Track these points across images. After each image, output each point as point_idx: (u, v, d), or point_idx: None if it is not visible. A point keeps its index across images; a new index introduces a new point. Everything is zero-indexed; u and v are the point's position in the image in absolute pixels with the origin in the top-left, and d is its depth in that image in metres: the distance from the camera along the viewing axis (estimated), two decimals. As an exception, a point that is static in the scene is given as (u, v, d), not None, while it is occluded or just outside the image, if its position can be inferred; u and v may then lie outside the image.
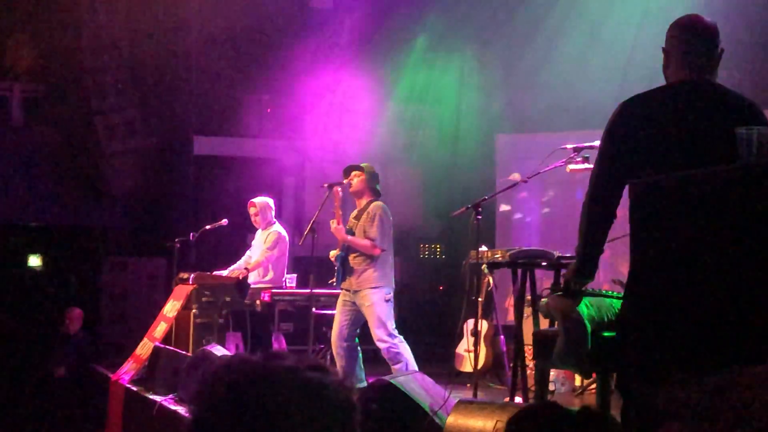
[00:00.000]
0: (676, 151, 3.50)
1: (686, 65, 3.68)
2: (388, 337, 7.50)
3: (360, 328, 7.81)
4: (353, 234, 7.78)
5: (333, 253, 7.87)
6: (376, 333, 7.52)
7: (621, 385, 3.60)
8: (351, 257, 7.74)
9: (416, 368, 7.39)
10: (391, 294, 7.69)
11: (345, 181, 7.94)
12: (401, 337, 7.59)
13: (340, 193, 7.90)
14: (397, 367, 7.44)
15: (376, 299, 7.56)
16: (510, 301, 10.04)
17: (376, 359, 9.24)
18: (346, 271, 7.75)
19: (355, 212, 7.98)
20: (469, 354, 9.23)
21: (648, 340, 3.21)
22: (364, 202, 7.90)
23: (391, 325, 7.58)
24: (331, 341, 7.92)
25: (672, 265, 3.19)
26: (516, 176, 10.00)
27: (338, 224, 7.77)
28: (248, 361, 1.68)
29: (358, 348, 7.82)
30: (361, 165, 7.96)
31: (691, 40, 3.71)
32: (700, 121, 3.54)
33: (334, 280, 7.90)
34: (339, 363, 7.69)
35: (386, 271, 7.72)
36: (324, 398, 1.64)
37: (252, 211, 9.42)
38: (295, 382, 1.63)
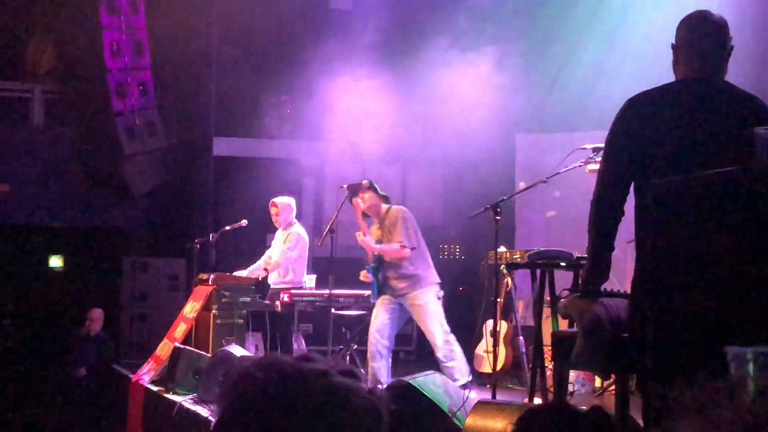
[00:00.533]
0: (682, 149, 3.47)
1: (694, 62, 3.66)
2: (444, 334, 7.52)
3: (397, 329, 7.83)
4: (381, 243, 7.81)
5: (363, 274, 7.90)
6: (432, 330, 7.53)
7: (640, 386, 3.58)
8: (386, 266, 7.72)
9: (466, 366, 7.43)
10: (441, 292, 7.72)
11: (364, 182, 7.98)
12: (453, 335, 7.61)
13: (361, 204, 7.92)
14: (449, 365, 7.44)
15: (429, 298, 7.59)
16: (529, 302, 10.01)
17: (397, 359, 9.28)
18: (385, 284, 7.74)
19: (377, 222, 8.01)
20: (488, 355, 9.22)
21: (657, 339, 3.20)
22: (382, 211, 7.93)
23: (444, 322, 7.60)
24: (353, 342, 7.93)
25: (682, 265, 3.18)
26: (522, 185, 10.00)
27: (364, 235, 7.80)
28: (279, 362, 1.68)
29: (391, 349, 7.82)
30: (362, 183, 8.00)
31: (699, 36, 3.68)
32: (707, 118, 3.51)
33: (371, 294, 7.92)
34: (371, 361, 7.69)
35: (428, 269, 7.75)
36: (353, 405, 1.64)
37: (273, 211, 9.43)
38: (326, 386, 1.63)
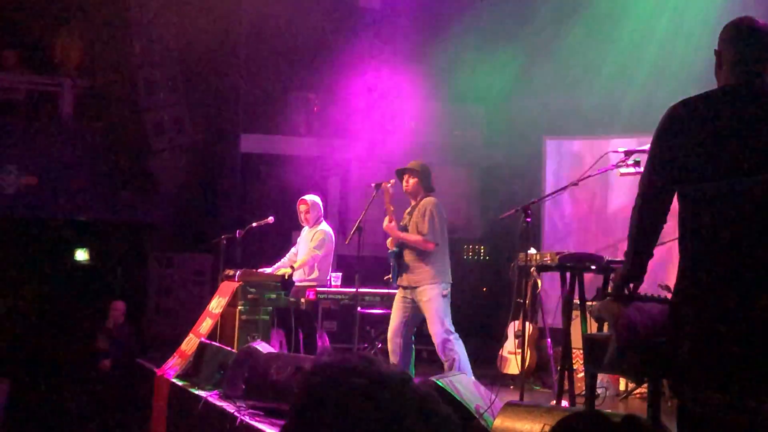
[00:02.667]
0: (726, 156, 3.44)
1: (738, 68, 3.62)
2: (445, 332, 7.52)
3: (417, 327, 7.82)
4: (406, 230, 7.80)
5: (389, 241, 7.92)
6: (433, 328, 7.55)
7: (675, 390, 3.56)
8: (406, 254, 7.76)
9: (469, 368, 7.41)
10: (449, 290, 7.71)
11: (391, 182, 7.97)
12: (457, 335, 7.60)
13: (391, 190, 7.93)
14: (448, 364, 7.45)
15: (433, 294, 7.59)
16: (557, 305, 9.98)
17: (420, 359, 9.27)
18: (401, 267, 7.77)
19: (408, 208, 8.01)
20: (513, 356, 9.21)
21: (699, 345, 3.19)
22: (418, 198, 7.93)
23: (448, 321, 7.61)
24: (377, 340, 7.94)
25: (724, 271, 3.16)
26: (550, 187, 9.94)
27: (390, 221, 7.80)
28: (350, 361, 1.67)
29: (413, 347, 7.83)
30: (411, 165, 7.96)
31: (743, 42, 3.65)
32: (751, 125, 3.48)
33: (390, 277, 7.93)
34: (393, 360, 7.71)
35: (443, 267, 7.74)
36: (438, 413, 1.63)
37: (303, 208, 9.41)
38: (409, 395, 1.63)
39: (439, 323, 7.53)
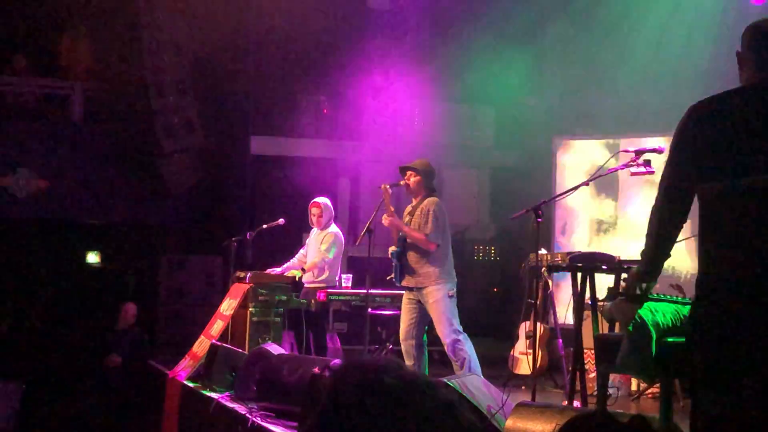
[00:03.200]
0: (747, 156, 3.43)
1: (761, 69, 3.61)
2: (453, 333, 7.50)
3: (428, 326, 7.82)
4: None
5: (392, 249, 7.88)
6: (441, 329, 7.53)
7: (691, 391, 3.55)
8: (409, 254, 7.73)
9: (479, 367, 7.40)
10: (455, 290, 7.68)
11: (402, 183, 7.95)
12: (465, 334, 7.58)
13: (390, 191, 7.91)
14: (459, 364, 7.44)
15: (440, 296, 7.56)
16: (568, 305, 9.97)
17: (432, 360, 9.26)
18: (404, 268, 7.75)
19: (409, 208, 7.98)
20: (523, 356, 9.20)
21: (719, 347, 3.17)
22: (419, 198, 7.91)
23: (456, 321, 7.58)
24: (388, 341, 7.94)
25: (741, 271, 3.15)
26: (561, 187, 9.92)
27: (389, 216, 7.78)
28: (368, 367, 1.66)
29: (426, 347, 7.82)
30: (414, 164, 7.95)
31: (764, 44, 3.64)
32: None
33: (393, 276, 7.91)
34: (408, 362, 7.69)
35: (447, 267, 7.71)
36: (463, 420, 1.63)
37: (315, 211, 9.39)
38: (439, 398, 1.62)
39: (447, 324, 7.52)
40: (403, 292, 7.94)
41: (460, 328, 7.59)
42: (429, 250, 7.65)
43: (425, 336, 7.83)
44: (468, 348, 7.50)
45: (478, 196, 13.69)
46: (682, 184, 3.58)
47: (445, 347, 7.59)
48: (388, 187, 7.92)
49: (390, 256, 7.88)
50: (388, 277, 8.08)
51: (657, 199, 3.71)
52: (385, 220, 7.84)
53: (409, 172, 7.91)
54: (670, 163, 3.66)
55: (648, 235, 3.76)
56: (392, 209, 7.86)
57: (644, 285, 3.91)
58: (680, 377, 4.08)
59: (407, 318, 7.76)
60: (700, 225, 3.32)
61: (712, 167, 3.47)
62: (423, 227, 7.67)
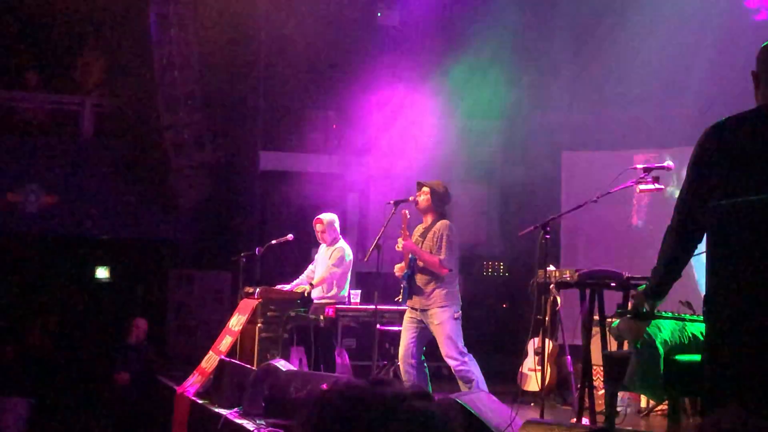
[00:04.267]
0: (762, 176, 3.44)
1: None
2: (459, 355, 7.48)
3: (426, 345, 7.80)
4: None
5: (398, 267, 7.85)
6: (447, 351, 7.50)
7: (700, 409, 3.54)
8: (418, 276, 7.72)
9: (485, 387, 7.37)
10: (460, 312, 7.66)
11: (411, 199, 7.94)
12: (471, 355, 7.57)
13: (408, 215, 7.88)
14: (467, 385, 7.42)
15: (445, 318, 7.54)
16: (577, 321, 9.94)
17: (440, 376, 9.24)
18: (412, 289, 7.73)
19: (420, 228, 7.95)
20: (532, 373, 9.17)
21: (730, 364, 3.17)
22: (429, 219, 7.87)
23: (461, 343, 7.56)
24: (397, 358, 7.92)
25: (758, 290, 3.14)
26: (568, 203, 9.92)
27: (405, 240, 7.75)
28: (358, 388, 1.67)
29: (425, 365, 7.80)
30: (430, 183, 7.92)
31: None
32: None
33: (400, 297, 7.90)
34: (407, 381, 7.68)
35: (453, 290, 7.69)
36: (430, 428, 1.64)
37: (319, 228, 9.41)
38: (405, 411, 1.63)
39: (453, 346, 7.49)
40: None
41: (465, 350, 7.57)
42: (441, 273, 7.64)
43: (423, 356, 7.81)
44: (474, 368, 7.48)
45: (486, 212, 13.68)
46: (698, 205, 3.58)
47: (452, 369, 7.57)
48: (407, 212, 7.90)
49: (398, 274, 7.86)
50: (396, 299, 8.07)
51: (674, 218, 3.71)
52: (400, 244, 7.81)
53: (423, 189, 7.89)
54: (688, 183, 3.66)
55: (661, 254, 3.76)
56: (408, 233, 7.83)
57: (652, 303, 3.91)
58: (689, 395, 4.07)
59: (407, 336, 7.75)
60: (709, 242, 3.32)
61: (729, 188, 3.48)
62: (436, 252, 7.64)
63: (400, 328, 8.32)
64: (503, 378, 9.63)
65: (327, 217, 9.45)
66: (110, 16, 13.10)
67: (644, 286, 4.01)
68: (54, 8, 12.77)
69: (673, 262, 3.74)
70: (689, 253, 3.72)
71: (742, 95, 3.86)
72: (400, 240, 7.78)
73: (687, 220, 3.66)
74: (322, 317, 9.06)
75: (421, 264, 7.72)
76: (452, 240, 7.67)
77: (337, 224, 9.53)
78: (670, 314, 4.22)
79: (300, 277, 9.65)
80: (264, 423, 6.82)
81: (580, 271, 6.16)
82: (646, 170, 6.06)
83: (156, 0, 12.47)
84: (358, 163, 13.33)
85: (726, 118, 3.62)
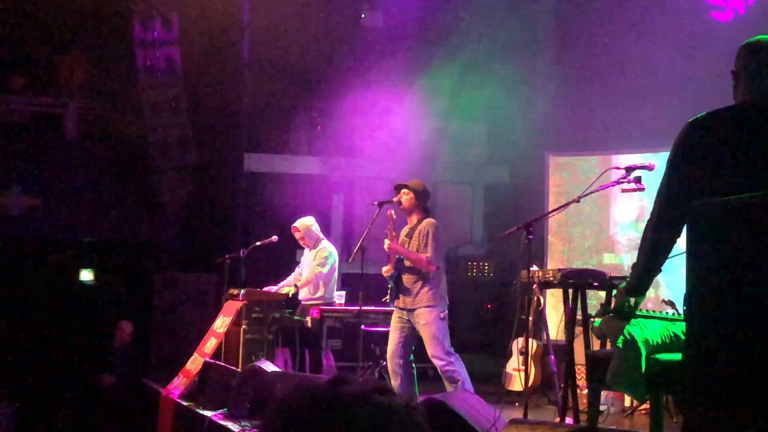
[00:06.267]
0: (742, 173, 3.46)
1: (754, 87, 3.65)
2: (445, 355, 7.50)
3: (415, 345, 7.82)
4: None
5: (386, 269, 7.86)
6: (433, 351, 7.53)
7: (682, 408, 3.57)
8: (405, 276, 7.74)
9: (471, 387, 7.40)
10: (446, 312, 7.69)
11: (395, 200, 7.96)
12: (457, 355, 7.59)
13: (394, 216, 7.91)
14: (453, 385, 7.44)
15: (431, 318, 7.56)
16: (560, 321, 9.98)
17: (426, 377, 9.26)
18: (399, 289, 7.76)
19: (406, 229, 7.97)
20: (517, 373, 9.21)
21: (710, 363, 3.19)
22: (414, 219, 7.90)
23: (447, 343, 7.58)
24: (382, 358, 7.93)
25: (725, 287, 3.17)
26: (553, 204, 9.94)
27: (391, 240, 7.78)
28: (317, 388, 1.69)
29: (413, 366, 7.82)
30: (409, 183, 7.96)
31: (759, 61, 3.68)
32: (766, 144, 3.51)
33: (387, 297, 7.92)
34: (394, 381, 7.70)
35: (440, 289, 7.72)
36: (394, 422, 1.65)
37: (297, 235, 9.47)
38: (365, 406, 1.64)
39: (439, 346, 7.52)
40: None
41: (452, 349, 7.59)
42: (429, 271, 7.66)
43: (412, 355, 7.83)
44: (460, 368, 7.51)
45: (471, 213, 13.71)
46: (679, 200, 3.61)
47: (438, 369, 7.59)
48: (393, 212, 7.93)
49: (385, 275, 7.88)
50: (383, 299, 8.08)
51: (652, 215, 3.74)
52: (387, 244, 7.83)
53: (403, 190, 7.93)
54: (666, 179, 3.70)
55: (641, 250, 3.79)
56: (394, 234, 7.86)
57: (633, 300, 3.94)
58: (671, 394, 4.09)
59: (395, 336, 7.77)
60: (688, 240, 3.34)
61: (707, 185, 3.51)
62: (422, 249, 7.68)
63: (385, 329, 8.34)
64: (488, 378, 9.68)
65: (303, 223, 9.47)
66: (94, 18, 13.04)
67: (625, 283, 4.04)
68: (37, 11, 12.72)
69: (653, 257, 3.77)
70: (668, 247, 3.76)
71: (722, 96, 3.89)
72: (386, 240, 7.81)
73: (665, 216, 3.69)
74: (307, 318, 9.07)
75: (408, 264, 7.74)
76: (438, 238, 7.71)
77: (315, 227, 9.54)
78: (652, 313, 4.25)
79: (287, 279, 9.68)
80: (249, 425, 6.82)
81: (563, 270, 6.18)
82: (628, 170, 6.07)
83: (139, 2, 12.44)
84: (343, 165, 13.33)
85: (705, 114, 3.64)
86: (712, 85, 3.80)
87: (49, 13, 12.82)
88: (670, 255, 3.82)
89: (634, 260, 3.91)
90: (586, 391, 6.94)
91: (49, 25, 13.18)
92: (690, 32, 10.59)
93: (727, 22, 10.06)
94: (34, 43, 13.44)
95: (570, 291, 6.13)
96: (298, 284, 9.39)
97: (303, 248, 9.71)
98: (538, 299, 8.81)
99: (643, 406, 8.27)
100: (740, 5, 10.08)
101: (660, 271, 3.82)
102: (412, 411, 1.70)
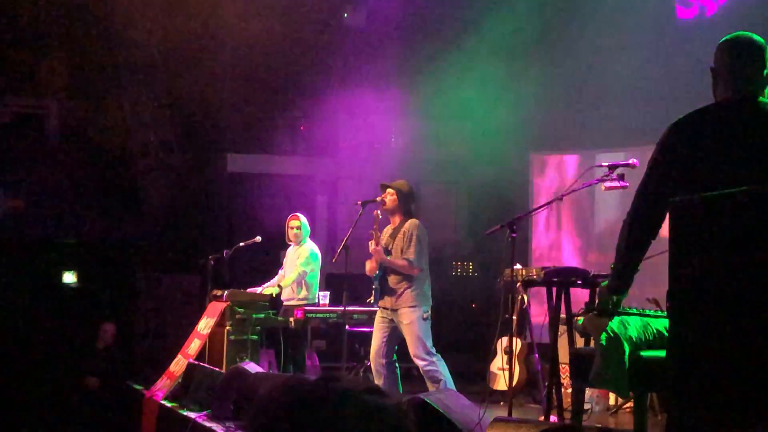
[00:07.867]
0: (723, 171, 3.47)
1: (734, 84, 3.66)
2: (427, 355, 7.50)
3: (398, 345, 7.81)
4: (390, 254, 7.76)
5: (369, 268, 7.84)
6: (415, 351, 7.52)
7: (666, 406, 3.57)
8: (389, 276, 7.73)
9: (453, 387, 7.39)
10: (429, 312, 7.68)
11: (378, 199, 7.94)
12: (439, 355, 7.59)
13: (380, 216, 7.90)
14: (435, 385, 7.43)
15: (414, 318, 7.56)
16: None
17: (411, 377, 9.25)
18: (384, 289, 7.75)
19: (389, 229, 7.96)
20: (502, 372, 9.20)
21: (692, 360, 3.19)
22: (398, 220, 7.89)
23: (429, 343, 7.58)
24: (366, 359, 7.92)
25: (707, 284, 3.16)
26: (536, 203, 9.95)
27: (377, 245, 7.76)
28: (306, 386, 1.68)
29: (397, 365, 7.81)
30: (395, 183, 7.94)
31: (738, 58, 3.69)
32: (749, 140, 3.52)
33: (372, 298, 7.91)
34: (378, 380, 7.69)
35: (424, 290, 7.71)
36: (380, 421, 1.64)
37: (295, 224, 9.41)
38: (353, 405, 1.64)
39: (421, 346, 7.51)
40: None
41: (434, 350, 7.59)
42: (412, 275, 7.66)
43: (395, 355, 7.82)
44: (442, 369, 7.50)
45: (455, 213, 13.71)
46: (659, 198, 3.62)
47: (420, 369, 7.59)
48: (378, 213, 7.91)
49: (370, 274, 7.86)
50: (368, 299, 8.07)
51: (631, 212, 3.75)
52: (371, 247, 7.81)
53: (388, 190, 7.91)
54: (648, 177, 3.71)
55: (618, 248, 3.80)
56: (379, 234, 7.85)
57: (615, 298, 3.95)
58: (655, 391, 4.10)
59: (379, 336, 7.77)
60: (670, 237, 3.34)
61: (689, 182, 3.51)
62: (406, 251, 7.67)
63: (369, 330, 8.33)
64: (472, 377, 9.67)
65: (303, 216, 9.49)
66: (75, 18, 12.98)
67: (606, 282, 4.04)
68: (17, 11, 12.65)
69: (629, 254, 3.78)
70: (645, 245, 3.76)
71: (699, 93, 3.92)
72: (371, 242, 7.80)
73: (644, 213, 3.70)
74: (291, 319, 9.05)
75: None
76: (422, 239, 7.71)
77: (308, 225, 9.56)
78: (635, 310, 4.25)
79: (271, 280, 9.65)
80: (233, 426, 6.79)
81: (546, 269, 6.18)
82: (611, 168, 6.08)
83: (121, 1, 12.40)
84: (326, 165, 13.32)
85: (687, 114, 3.66)
86: (689, 83, 3.82)
87: (30, 13, 12.75)
88: (656, 253, 3.83)
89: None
90: (570, 389, 6.96)
91: (30, 26, 13.11)
92: (662, 32, 10.65)
93: (692, 19, 10.12)
94: (15, 44, 13.36)
95: (554, 289, 6.12)
96: (282, 284, 9.37)
97: (286, 248, 9.67)
98: (522, 298, 8.81)
99: (627, 405, 8.27)
100: (711, 4, 10.14)
101: (638, 269, 3.83)
102: (402, 412, 1.70)
